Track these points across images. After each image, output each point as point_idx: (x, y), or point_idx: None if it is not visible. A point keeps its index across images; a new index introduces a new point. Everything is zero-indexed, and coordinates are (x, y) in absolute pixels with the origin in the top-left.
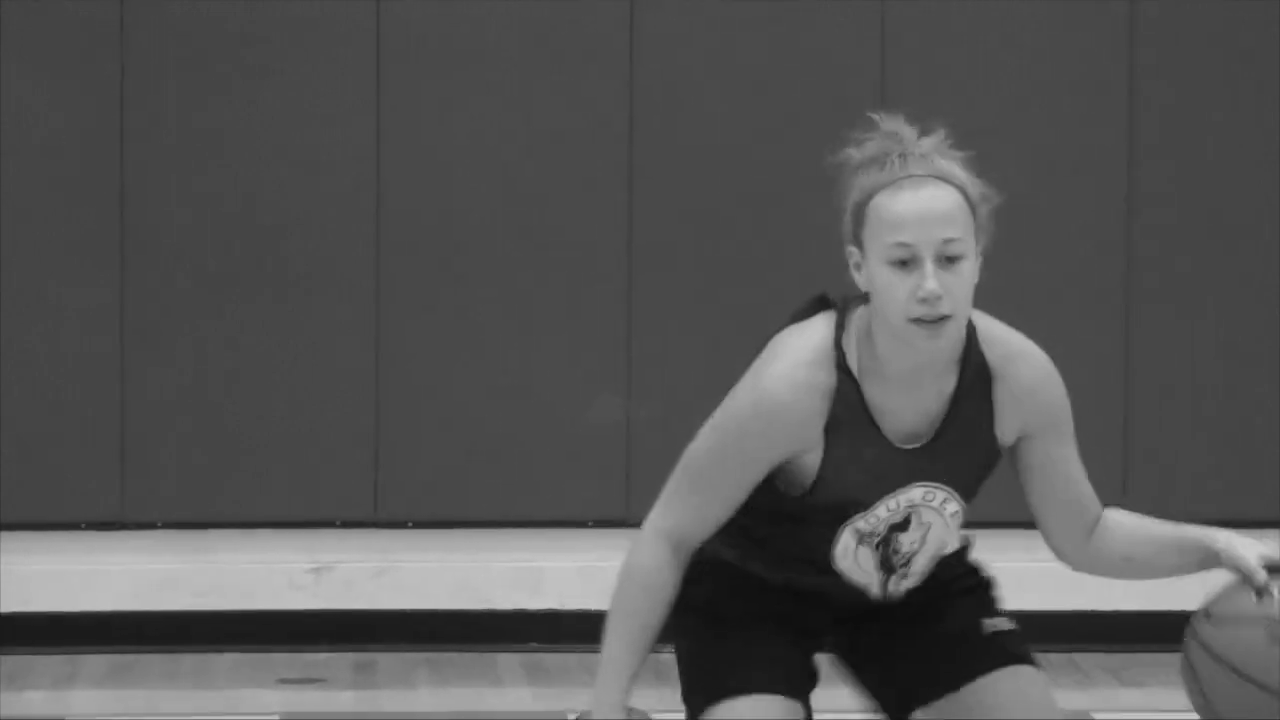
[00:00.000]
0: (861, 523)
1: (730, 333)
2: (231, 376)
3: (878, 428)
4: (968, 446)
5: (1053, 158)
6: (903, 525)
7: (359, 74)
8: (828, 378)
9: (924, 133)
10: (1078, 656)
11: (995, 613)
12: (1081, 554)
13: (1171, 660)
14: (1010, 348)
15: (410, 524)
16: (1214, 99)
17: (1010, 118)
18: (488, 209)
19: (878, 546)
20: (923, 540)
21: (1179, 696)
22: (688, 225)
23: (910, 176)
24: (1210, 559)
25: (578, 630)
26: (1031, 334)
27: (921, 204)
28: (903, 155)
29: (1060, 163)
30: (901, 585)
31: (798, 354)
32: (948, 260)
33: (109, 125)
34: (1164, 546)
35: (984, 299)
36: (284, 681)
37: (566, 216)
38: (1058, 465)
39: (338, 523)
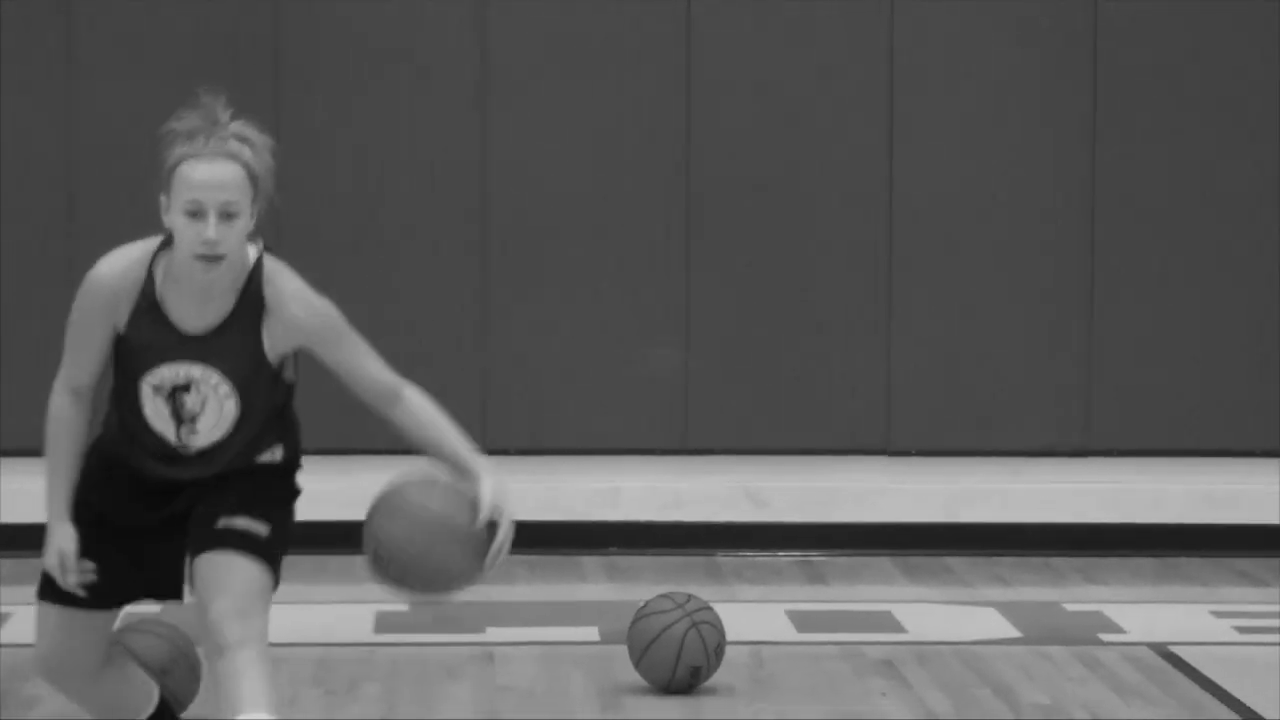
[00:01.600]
0: (153, 379)
1: (768, 294)
2: None
3: (166, 315)
4: (237, 350)
5: (1027, 127)
6: (185, 388)
7: (462, 84)
8: (139, 273)
9: (233, 117)
10: (1053, 559)
11: (250, 516)
12: (391, 419)
13: (1130, 564)
14: (285, 293)
15: (513, 451)
16: (1173, 65)
17: (991, 109)
18: (574, 195)
19: (168, 399)
20: (203, 405)
21: (1133, 590)
22: (735, 207)
23: (207, 153)
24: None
25: (647, 537)
26: (1001, 268)
27: (210, 174)
28: (207, 135)
29: (1034, 131)
30: (192, 440)
31: (124, 253)
32: (225, 216)
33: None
34: (441, 454)
35: (963, 234)
36: None
37: (630, 204)
38: (341, 364)
39: None
